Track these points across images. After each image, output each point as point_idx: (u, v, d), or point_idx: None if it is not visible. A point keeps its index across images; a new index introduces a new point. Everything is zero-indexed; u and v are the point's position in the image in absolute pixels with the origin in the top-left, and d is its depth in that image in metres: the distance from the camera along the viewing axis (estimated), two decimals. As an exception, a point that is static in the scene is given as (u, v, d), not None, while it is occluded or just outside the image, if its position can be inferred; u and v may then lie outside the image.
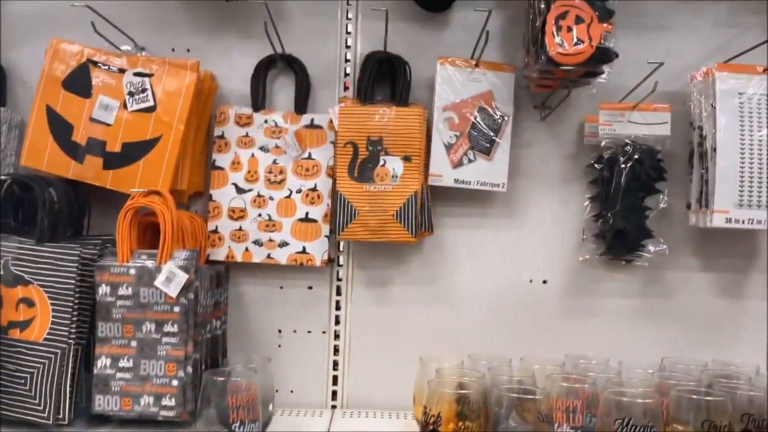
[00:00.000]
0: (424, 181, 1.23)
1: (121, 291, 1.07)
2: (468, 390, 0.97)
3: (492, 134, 1.24)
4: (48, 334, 1.08)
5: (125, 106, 1.19)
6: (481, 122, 1.24)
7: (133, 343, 1.08)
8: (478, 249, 1.31)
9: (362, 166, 1.22)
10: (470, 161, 1.24)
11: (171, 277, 1.07)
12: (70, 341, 1.08)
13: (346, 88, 1.31)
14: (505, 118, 1.25)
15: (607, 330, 1.30)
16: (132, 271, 1.08)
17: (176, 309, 1.07)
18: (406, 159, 1.22)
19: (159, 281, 1.07)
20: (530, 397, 0.95)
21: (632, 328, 1.30)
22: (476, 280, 1.31)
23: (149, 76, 1.19)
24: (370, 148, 1.22)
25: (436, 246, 1.31)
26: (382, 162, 1.22)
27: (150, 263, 1.08)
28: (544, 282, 1.31)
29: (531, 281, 1.31)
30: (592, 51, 1.09)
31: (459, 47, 1.28)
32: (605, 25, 1.10)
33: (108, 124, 1.19)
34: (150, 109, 1.19)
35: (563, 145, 1.32)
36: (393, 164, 1.22)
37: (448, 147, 1.24)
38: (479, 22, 1.18)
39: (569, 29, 1.09)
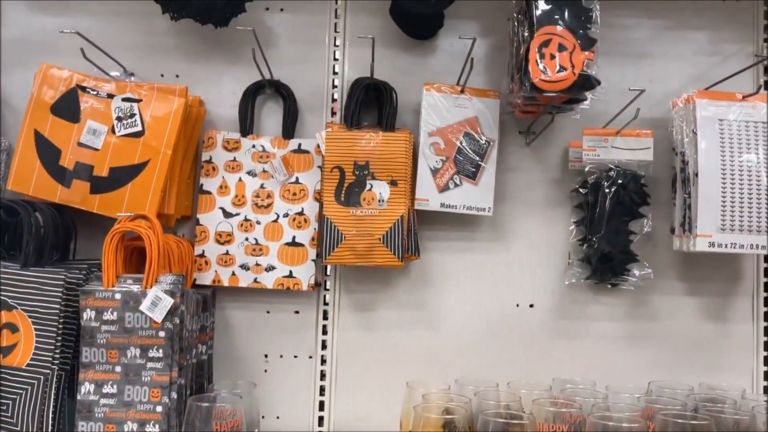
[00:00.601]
0: (411, 205, 1.24)
1: (106, 316, 1.07)
2: (454, 415, 0.97)
3: (478, 159, 1.26)
4: (31, 359, 1.07)
5: (113, 131, 1.20)
6: (466, 147, 1.26)
7: (118, 369, 1.07)
8: (465, 273, 1.31)
9: (349, 190, 1.22)
10: (456, 185, 1.25)
11: (156, 301, 1.07)
12: (54, 367, 1.07)
13: (333, 114, 1.33)
14: (491, 143, 1.27)
15: (593, 353, 1.30)
16: (117, 296, 1.07)
17: (161, 334, 1.07)
18: (393, 183, 1.23)
19: (144, 306, 1.07)
20: (517, 422, 0.95)
21: (618, 351, 1.30)
22: (463, 304, 1.31)
23: (138, 101, 1.20)
24: (357, 173, 1.22)
25: (422, 270, 1.31)
26: (368, 186, 1.23)
27: (135, 288, 1.08)
28: (531, 306, 1.31)
29: (518, 305, 1.31)
30: (575, 78, 1.11)
31: (445, 73, 1.30)
32: (587, 53, 1.12)
33: (96, 149, 1.19)
34: (138, 134, 1.19)
35: (548, 170, 1.33)
36: (379, 188, 1.22)
37: (434, 171, 1.25)
38: (464, 49, 1.20)
39: (552, 57, 1.11)
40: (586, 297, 1.31)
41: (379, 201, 1.22)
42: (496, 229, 1.32)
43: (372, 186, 1.23)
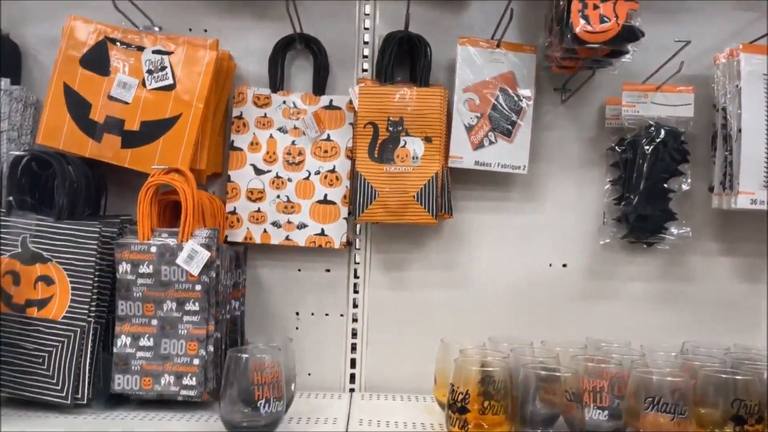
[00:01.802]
0: (445, 162, 1.22)
1: (142, 269, 1.06)
2: (494, 369, 0.96)
3: (513, 116, 1.24)
4: (67, 312, 1.06)
5: (144, 84, 1.18)
6: (502, 103, 1.23)
7: (154, 322, 1.07)
8: (498, 233, 1.30)
9: (382, 146, 1.21)
10: (491, 143, 1.23)
11: (193, 254, 1.06)
12: (90, 320, 1.06)
13: (364, 71, 1.30)
14: (527, 99, 1.24)
15: (627, 314, 1.29)
16: (153, 249, 1.06)
17: (198, 287, 1.06)
18: (427, 140, 1.21)
19: (181, 259, 1.06)
20: (559, 374, 0.94)
21: (653, 312, 1.29)
22: (495, 264, 1.30)
23: (168, 53, 1.18)
24: (391, 129, 1.20)
25: (455, 229, 1.30)
26: (402, 143, 1.21)
27: (171, 241, 1.07)
28: (564, 266, 1.30)
29: (551, 265, 1.30)
30: (618, 29, 1.08)
31: (477, 30, 1.27)
32: (631, 2, 1.09)
33: (126, 103, 1.18)
34: (169, 87, 1.18)
35: (584, 128, 1.31)
36: (413, 145, 1.20)
37: (469, 128, 1.23)
38: (497, 5, 1.17)
39: (595, 7, 1.09)
40: (620, 257, 1.29)
41: (413, 158, 1.20)
42: (530, 189, 1.30)
43: (406, 143, 1.21)
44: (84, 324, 1.06)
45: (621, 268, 1.29)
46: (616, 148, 1.26)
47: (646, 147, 1.21)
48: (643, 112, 1.22)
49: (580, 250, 1.30)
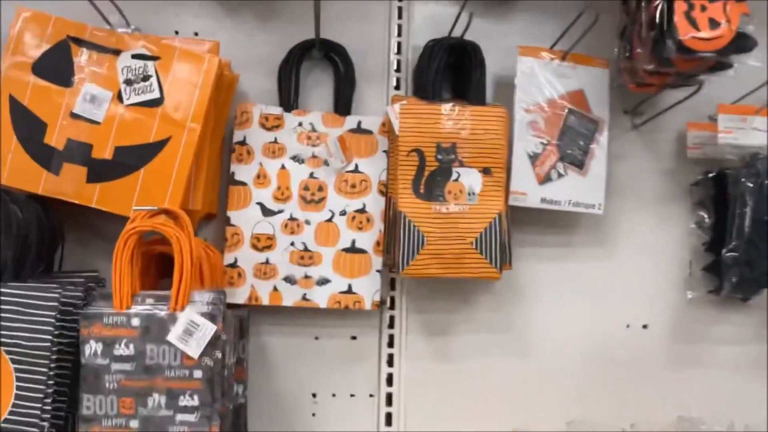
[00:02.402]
0: (506, 200, 0.98)
1: (119, 350, 0.77)
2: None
3: (586, 142, 1.00)
4: (10, 414, 0.75)
5: (120, 99, 0.89)
6: (573, 127, 1.00)
7: (134, 424, 0.77)
8: (562, 286, 1.06)
9: (430, 180, 0.95)
10: (560, 176, 0.99)
11: (191, 329, 0.77)
12: (43, 423, 0.76)
13: (396, 87, 1.05)
14: (601, 122, 1.02)
15: (723, 385, 1.06)
16: (135, 322, 0.77)
17: (197, 374, 0.77)
18: (486, 172, 0.96)
19: (174, 335, 0.77)
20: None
21: (751, 381, 1.06)
22: (561, 325, 1.05)
23: (154, 59, 0.90)
24: (440, 158, 0.95)
25: (510, 282, 1.04)
26: (455, 175, 0.95)
27: (161, 310, 0.78)
28: (645, 327, 1.07)
29: (628, 326, 1.06)
30: (732, 36, 0.87)
31: (531, 39, 1.04)
32: (742, 4, 0.88)
33: (96, 123, 0.89)
34: (154, 103, 0.90)
35: (660, 158, 1.09)
36: (469, 178, 0.95)
37: (534, 157, 0.99)
38: (554, 7, 0.95)
39: (703, 8, 0.87)
40: (711, 314, 1.07)
41: (469, 194, 0.95)
42: (600, 231, 1.07)
43: (459, 175, 0.95)
44: (34, 429, 0.75)
45: (713, 329, 1.07)
46: (704, 181, 1.05)
47: (749, 183, 0.99)
48: (742, 139, 1.00)
49: (663, 307, 1.06)
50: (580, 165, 1.00)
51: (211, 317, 0.78)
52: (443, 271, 0.93)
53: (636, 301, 1.06)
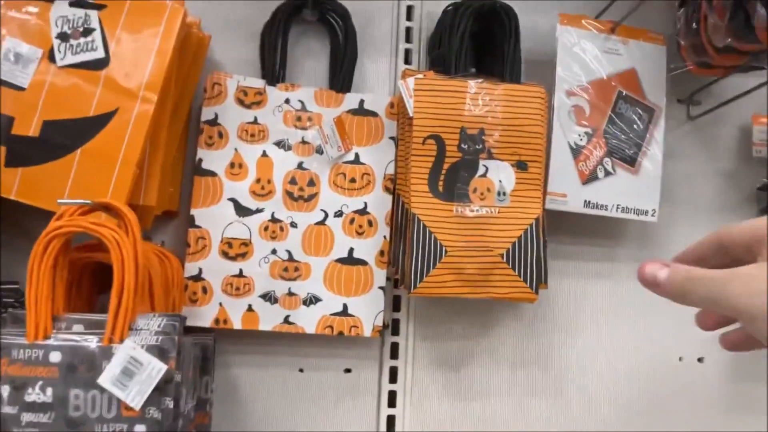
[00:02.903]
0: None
1: (32, 395, 0.56)
2: None
3: (640, 134, 0.82)
4: None
5: (52, 58, 0.68)
6: (624, 115, 0.81)
7: (51, 497, 0.56)
8: (604, 308, 0.86)
9: (451, 175, 0.75)
10: (607, 174, 0.80)
11: (133, 368, 0.56)
12: None
13: (406, 61, 0.86)
14: (657, 110, 0.83)
15: (796, 434, 0.87)
16: (55, 357, 0.56)
17: (140, 430, 0.56)
18: (520, 167, 0.76)
19: (108, 377, 0.56)
20: None
21: (828, 429, 0.88)
22: (602, 356, 0.86)
23: (99, 8, 0.69)
24: (465, 147, 0.75)
25: (541, 305, 0.85)
26: (482, 170, 0.76)
27: (92, 341, 0.57)
28: (700, 360, 0.88)
29: (681, 359, 0.87)
30: (841, 2, 0.69)
31: (569, 7, 0.85)
32: None
33: (19, 88, 0.68)
34: (98, 65, 0.69)
35: (720, 157, 0.91)
36: (500, 174, 0.76)
37: (576, 151, 0.80)
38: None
39: (802, -35, 0.69)
40: (781, 347, 0.88)
41: (500, 194, 0.75)
42: (650, 243, 0.88)
43: (488, 169, 0.76)
44: None
45: (782, 365, 0.88)
46: (776, 186, 0.86)
47: (836, 187, 0.81)
48: (828, 134, 0.82)
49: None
50: (631, 162, 0.81)
51: (160, 352, 0.57)
52: (465, 291, 0.74)
53: (691, 330, 0.87)
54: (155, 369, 0.56)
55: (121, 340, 0.57)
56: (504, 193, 0.75)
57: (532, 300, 0.75)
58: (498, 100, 0.76)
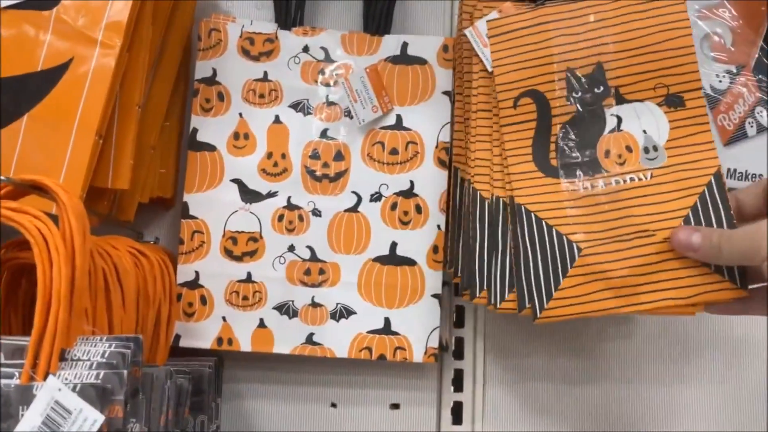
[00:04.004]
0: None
1: None
2: None
3: (805, 72, 0.57)
4: None
5: (-10, -3, 0.52)
6: (782, 45, 0.57)
7: None
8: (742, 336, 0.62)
9: (566, 140, 0.52)
10: (761, 130, 0.56)
11: (58, 418, 0.38)
12: None
13: (465, -6, 0.65)
14: (828, 38, 0.58)
15: None
16: (-52, 402, 0.39)
17: None
18: (672, 102, 0.51)
19: (27, 426, 0.38)
20: None
21: None
22: (728, 392, 0.61)
23: (46, -73, 0.53)
24: (578, 95, 0.52)
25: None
26: (612, 122, 0.52)
27: (12, 377, 0.40)
28: None
29: None
30: None
31: None
32: None
33: (-53, 38, 0.52)
34: (45, 5, 0.52)
35: None
36: (642, 120, 0.51)
37: (714, 99, 0.56)
38: None
39: None
40: None
41: (647, 150, 0.51)
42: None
43: (620, 119, 0.52)
44: None
45: None
46: None
47: None
48: None
49: None
50: (793, 112, 0.57)
51: (100, 394, 0.39)
52: (620, 303, 0.48)
53: None
54: (88, 420, 0.38)
55: (45, 377, 0.39)
56: (655, 148, 0.51)
57: (739, 296, 0.48)
58: (616, 16, 0.52)
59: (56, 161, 0.50)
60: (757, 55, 0.56)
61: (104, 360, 0.41)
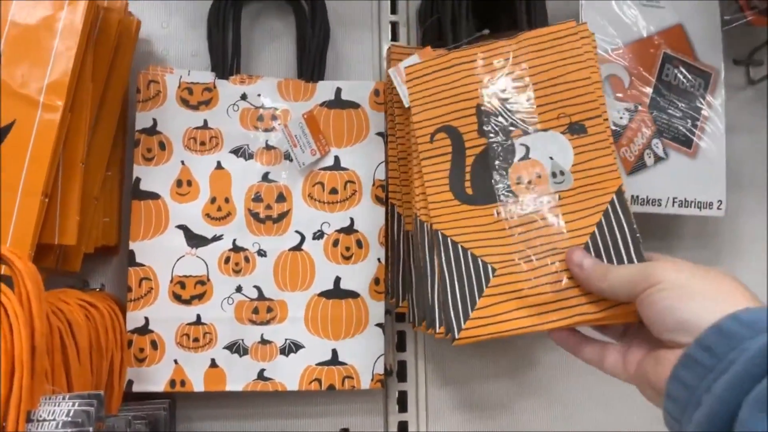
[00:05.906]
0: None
1: None
2: None
3: (694, 106, 0.64)
4: None
5: (-76, 61, 0.52)
6: (673, 83, 0.64)
7: None
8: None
9: (479, 170, 0.56)
10: (658, 160, 0.63)
11: (24, 483, 0.40)
12: None
13: (393, 37, 0.69)
14: (713, 75, 0.66)
15: None
16: None
17: None
18: (575, 130, 0.56)
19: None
20: None
21: None
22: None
23: (-20, -10, 0.53)
24: (488, 128, 0.57)
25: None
26: (521, 151, 0.57)
27: (-35, 448, 0.41)
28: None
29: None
30: None
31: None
32: None
33: None
34: (-18, 65, 0.53)
35: (790, 129, 0.73)
36: (548, 148, 0.56)
37: (617, 133, 0.62)
38: None
39: None
40: None
41: (555, 174, 0.56)
42: (713, 240, 0.70)
43: (529, 148, 0.57)
44: None
45: None
46: None
47: None
48: None
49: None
50: (686, 142, 0.64)
51: (65, 455, 0.41)
52: (534, 321, 0.51)
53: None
54: (56, 482, 0.40)
55: (8, 443, 0.41)
56: (561, 172, 0.56)
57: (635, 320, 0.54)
58: (520, 54, 0.57)
59: (3, 223, 0.51)
60: (650, 95, 0.63)
61: (70, 419, 0.42)
